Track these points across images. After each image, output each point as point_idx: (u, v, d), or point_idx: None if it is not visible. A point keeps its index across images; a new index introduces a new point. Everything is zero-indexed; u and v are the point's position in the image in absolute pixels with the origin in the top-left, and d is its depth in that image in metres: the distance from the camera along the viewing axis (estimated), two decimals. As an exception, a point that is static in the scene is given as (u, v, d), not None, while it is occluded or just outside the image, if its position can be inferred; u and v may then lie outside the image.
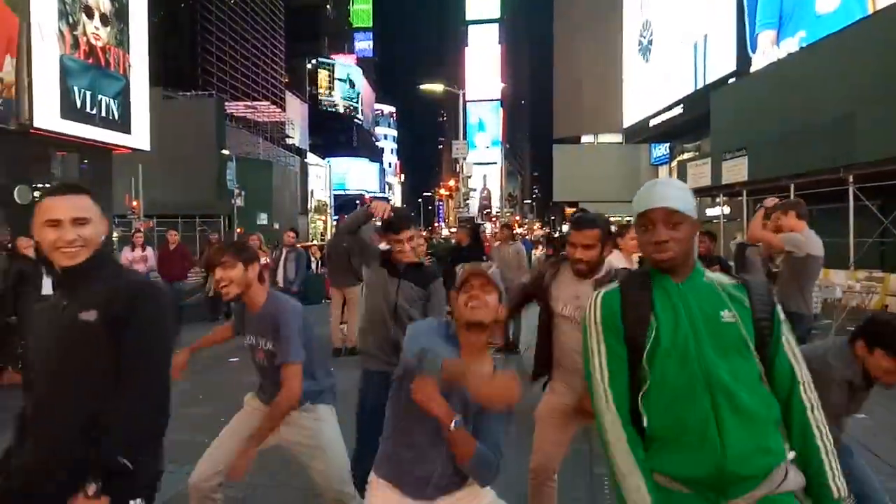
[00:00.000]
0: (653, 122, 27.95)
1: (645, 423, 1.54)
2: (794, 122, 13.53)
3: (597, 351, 1.61)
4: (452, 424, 1.70)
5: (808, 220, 4.43)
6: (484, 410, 1.76)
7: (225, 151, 35.22)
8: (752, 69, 19.73)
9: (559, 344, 2.81)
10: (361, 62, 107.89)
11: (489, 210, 61.78)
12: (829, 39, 13.82)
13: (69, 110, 19.25)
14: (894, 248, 10.29)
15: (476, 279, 1.89)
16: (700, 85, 23.98)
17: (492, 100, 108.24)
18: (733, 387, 1.47)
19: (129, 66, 22.32)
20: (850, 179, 11.51)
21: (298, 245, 9.85)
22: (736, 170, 15.58)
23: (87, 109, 20.10)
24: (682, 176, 19.58)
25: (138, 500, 1.64)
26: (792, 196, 12.42)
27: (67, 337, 1.66)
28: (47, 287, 5.65)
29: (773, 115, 14.61)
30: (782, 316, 1.59)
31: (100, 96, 20.63)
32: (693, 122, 23.60)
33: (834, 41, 13.36)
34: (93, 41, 20.63)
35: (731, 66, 21.73)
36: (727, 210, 18.56)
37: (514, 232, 10.16)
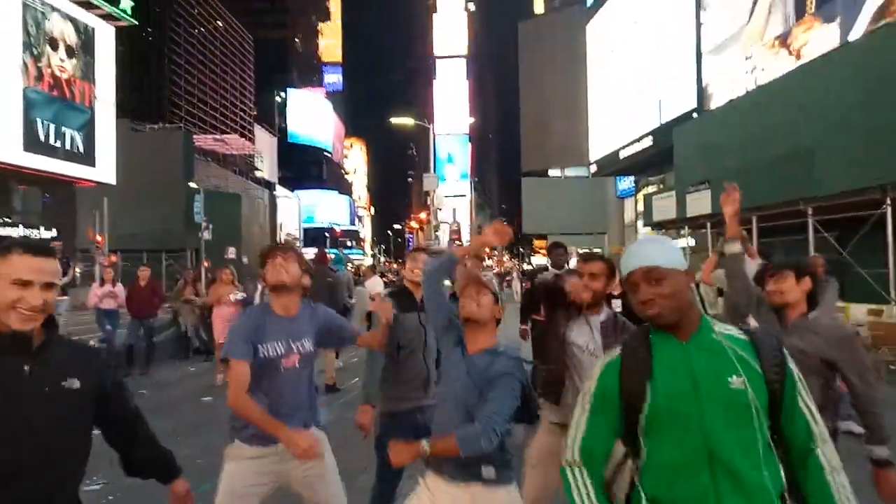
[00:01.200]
0: (623, 154, 28.50)
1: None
2: (754, 155, 14.01)
3: (579, 413, 1.60)
4: (426, 449, 2.04)
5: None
6: (492, 382, 2.11)
7: (192, 184, 34.82)
8: (713, 104, 20.47)
9: (575, 372, 2.86)
10: (331, 96, 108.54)
11: (459, 242, 62.19)
12: (787, 75, 14.45)
13: (32, 143, 18.91)
14: (855, 280, 10.65)
15: (473, 284, 2.29)
16: (665, 119, 24.71)
17: (460, 134, 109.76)
18: (738, 462, 1.41)
19: (95, 98, 22.07)
20: (810, 212, 11.92)
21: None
22: (699, 203, 16.01)
23: (51, 142, 19.76)
24: (649, 209, 20.04)
25: None
26: (754, 228, 12.81)
27: (48, 404, 1.62)
28: None
29: (733, 150, 15.11)
30: (795, 370, 1.52)
31: (64, 129, 20.32)
32: (658, 155, 24.27)
33: (792, 77, 13.98)
34: (57, 73, 20.39)
35: (692, 103, 22.50)
36: (692, 242, 19.01)
37: (485, 264, 10.60)
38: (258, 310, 2.67)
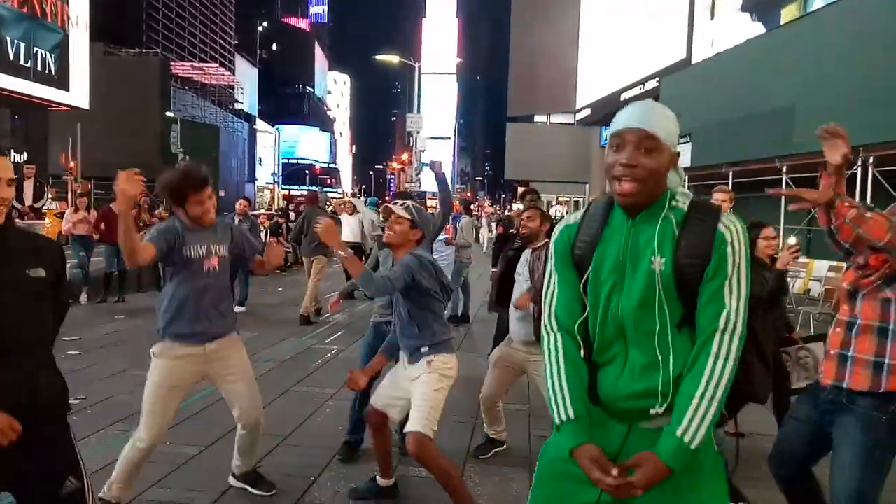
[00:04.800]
0: (624, 97, 27.38)
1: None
2: (734, 111, 14.08)
3: (548, 278, 1.65)
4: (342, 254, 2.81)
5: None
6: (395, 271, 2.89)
7: (169, 113, 33.96)
8: (697, 57, 20.31)
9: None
10: (315, 27, 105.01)
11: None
12: (770, 33, 14.39)
13: (0, 62, 18.19)
14: (819, 236, 10.94)
15: (389, 215, 3.01)
16: (654, 69, 24.41)
17: (447, 73, 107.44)
18: (640, 342, 1.47)
19: (69, 18, 21.17)
20: (784, 169, 12.12)
21: (250, 213, 9.79)
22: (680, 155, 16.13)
23: (21, 62, 19.02)
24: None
25: None
26: (730, 183, 13.00)
27: (18, 292, 1.73)
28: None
29: (715, 104, 15.15)
30: (732, 258, 1.42)
31: (35, 49, 19.53)
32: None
33: (775, 35, 13.92)
34: (28, -11, 19.43)
35: (682, 53, 22.27)
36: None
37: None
38: (177, 221, 2.93)
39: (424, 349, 2.93)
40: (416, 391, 2.90)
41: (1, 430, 1.63)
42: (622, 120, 1.46)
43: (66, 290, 2.01)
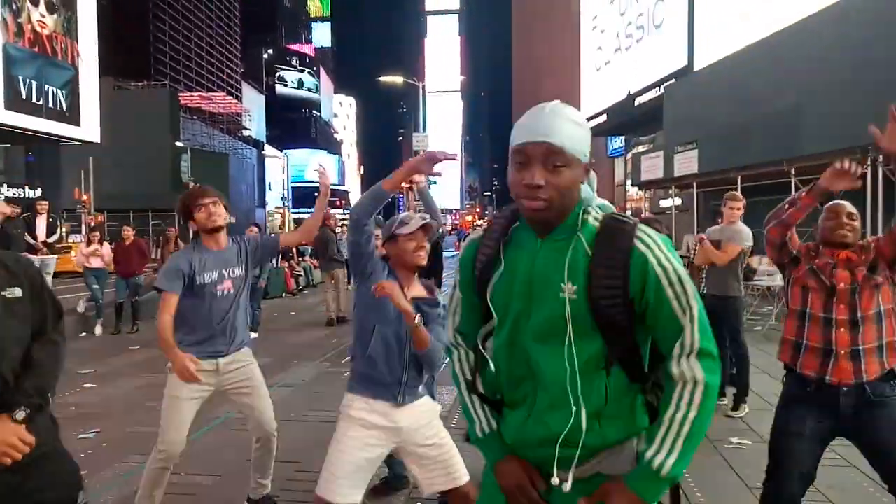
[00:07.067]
0: (638, 101, 26.98)
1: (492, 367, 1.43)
2: (741, 116, 14.03)
3: (452, 291, 1.56)
4: (417, 318, 2.23)
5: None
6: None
7: (179, 143, 34.40)
8: (699, 64, 20.29)
9: None
10: (319, 52, 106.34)
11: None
12: (774, 35, 14.36)
13: (14, 101, 18.56)
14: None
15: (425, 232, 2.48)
16: (657, 77, 24.41)
17: (451, 91, 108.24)
18: (549, 376, 1.30)
19: (78, 55, 21.60)
20: (793, 172, 12.03)
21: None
22: (687, 162, 16.07)
23: (34, 100, 19.40)
24: (637, 168, 20.08)
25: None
26: (738, 188, 12.93)
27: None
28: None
29: (721, 110, 15.10)
30: (656, 269, 1.26)
31: (47, 86, 19.92)
32: (650, 113, 24.07)
33: (779, 37, 13.90)
34: (38, 29, 19.89)
35: (683, 61, 22.28)
36: (679, 202, 19.14)
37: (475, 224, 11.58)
38: (191, 248, 3.06)
39: (422, 388, 2.54)
40: (434, 442, 2.47)
41: (13, 444, 1.61)
42: (524, 132, 1.27)
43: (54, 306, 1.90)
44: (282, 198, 58.29)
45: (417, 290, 2.48)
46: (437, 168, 2.44)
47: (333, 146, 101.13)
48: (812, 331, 2.41)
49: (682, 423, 1.24)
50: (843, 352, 2.33)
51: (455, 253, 7.94)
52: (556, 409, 1.29)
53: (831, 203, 2.55)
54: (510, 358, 1.37)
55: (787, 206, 2.52)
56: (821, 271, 2.44)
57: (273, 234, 3.18)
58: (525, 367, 1.34)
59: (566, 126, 1.26)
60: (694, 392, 1.25)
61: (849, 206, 2.51)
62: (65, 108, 21.04)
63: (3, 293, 1.74)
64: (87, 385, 6.15)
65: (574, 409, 1.28)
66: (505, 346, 1.37)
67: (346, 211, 72.09)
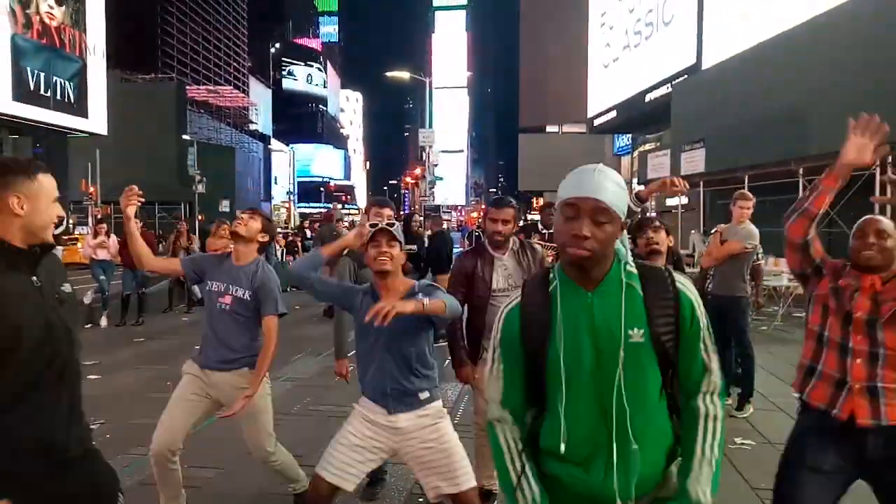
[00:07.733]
0: (648, 98, 26.80)
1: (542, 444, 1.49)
2: (748, 115, 13.96)
3: (491, 365, 1.55)
4: (424, 303, 2.19)
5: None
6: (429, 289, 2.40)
7: (186, 136, 34.47)
8: (708, 62, 20.18)
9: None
10: (326, 47, 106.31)
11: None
12: (782, 35, 14.28)
13: (22, 92, 18.63)
14: (840, 238, 10.78)
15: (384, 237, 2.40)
16: (666, 75, 24.30)
17: (458, 87, 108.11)
18: (633, 420, 1.39)
19: (86, 47, 21.65)
20: (801, 172, 11.97)
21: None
22: (694, 161, 16.01)
23: (42, 92, 19.47)
24: (643, 166, 20.01)
25: None
26: (746, 188, 12.87)
27: (62, 311, 1.71)
28: None
29: (729, 108, 15.03)
30: (699, 315, 1.45)
31: (54, 78, 20.00)
32: (659, 111, 23.96)
33: (788, 37, 13.82)
34: (46, 20, 19.93)
35: (692, 59, 22.16)
36: (685, 200, 19.07)
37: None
38: (220, 254, 3.18)
39: (425, 394, 2.49)
40: (434, 446, 2.46)
41: None
42: (573, 188, 1.40)
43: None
44: (287, 192, 58.52)
45: (401, 288, 2.46)
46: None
47: (340, 141, 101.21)
48: (829, 356, 2.14)
49: (711, 455, 1.43)
50: (857, 386, 2.05)
51: (460, 249, 7.82)
52: (640, 451, 1.41)
53: (863, 219, 2.23)
54: (575, 415, 1.43)
55: (807, 194, 2.22)
56: (841, 292, 2.15)
57: (270, 304, 2.85)
58: (598, 419, 1.42)
59: (611, 187, 1.39)
60: (716, 426, 1.45)
61: (882, 223, 2.16)
62: (72, 99, 21.09)
63: (61, 289, 1.77)
64: (92, 376, 6.17)
65: (651, 448, 1.43)
66: (577, 402, 1.42)
67: (349, 207, 72.11)
